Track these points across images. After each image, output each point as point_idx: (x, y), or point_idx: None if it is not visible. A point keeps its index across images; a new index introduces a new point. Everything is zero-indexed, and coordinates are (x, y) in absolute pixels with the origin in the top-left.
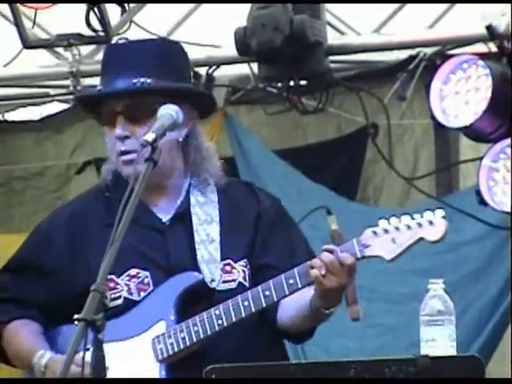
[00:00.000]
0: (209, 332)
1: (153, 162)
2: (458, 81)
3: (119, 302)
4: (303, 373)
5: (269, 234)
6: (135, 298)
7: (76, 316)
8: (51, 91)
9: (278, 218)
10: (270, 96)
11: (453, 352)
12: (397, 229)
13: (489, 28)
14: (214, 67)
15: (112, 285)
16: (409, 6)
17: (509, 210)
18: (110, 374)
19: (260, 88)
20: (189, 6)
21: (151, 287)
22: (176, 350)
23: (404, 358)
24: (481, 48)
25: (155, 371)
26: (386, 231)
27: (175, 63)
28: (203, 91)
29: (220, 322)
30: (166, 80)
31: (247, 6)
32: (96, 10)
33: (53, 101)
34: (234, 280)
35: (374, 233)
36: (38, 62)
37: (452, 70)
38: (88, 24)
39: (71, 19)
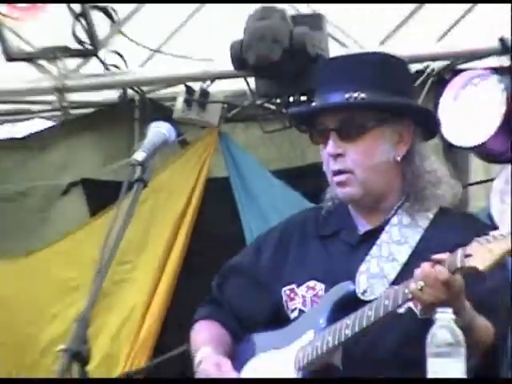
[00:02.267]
0: (357, 329)
1: (143, 183)
2: (468, 97)
3: (295, 313)
4: None
5: None
6: (307, 309)
7: (60, 347)
8: (35, 107)
9: None
10: (268, 113)
11: None
12: (494, 238)
13: (502, 40)
14: (209, 82)
15: (292, 295)
16: (416, 18)
17: None
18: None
19: (257, 105)
20: (182, 17)
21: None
22: (315, 355)
23: None
24: (493, 62)
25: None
26: (488, 241)
27: (395, 76)
28: (425, 108)
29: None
30: (384, 94)
31: (244, 18)
32: (83, 21)
33: (36, 117)
34: None
35: (479, 243)
36: (22, 76)
37: (462, 85)
38: (74, 36)
39: (57, 31)
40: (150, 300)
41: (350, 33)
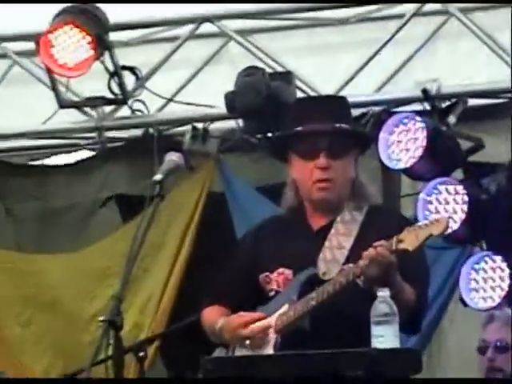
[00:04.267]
0: (320, 300)
1: (160, 197)
2: (400, 132)
3: (272, 293)
4: (274, 364)
5: None
6: (281, 289)
7: (100, 318)
8: (81, 142)
9: None
10: (253, 145)
11: (397, 345)
12: (419, 227)
13: (424, 91)
14: (209, 123)
15: (268, 280)
16: (362, 73)
17: None
18: None
19: (244, 138)
20: (189, 73)
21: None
22: (288, 321)
23: (357, 351)
24: (417, 107)
25: (272, 341)
26: (414, 229)
27: (349, 112)
28: (371, 136)
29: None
30: (350, 126)
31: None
32: (116, 77)
33: (82, 149)
34: None
35: (408, 231)
36: (71, 118)
37: (395, 124)
38: (109, 89)
39: (96, 85)
40: (165, 285)
41: (313, 85)
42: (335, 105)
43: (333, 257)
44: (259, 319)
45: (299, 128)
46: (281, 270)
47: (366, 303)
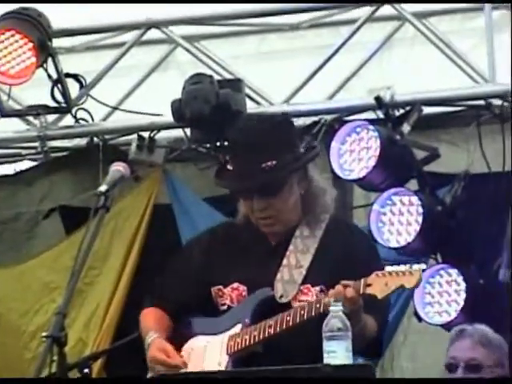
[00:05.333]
0: (278, 330)
1: (105, 208)
2: (352, 142)
3: (224, 307)
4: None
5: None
6: (234, 305)
7: (43, 333)
8: (23, 151)
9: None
10: (201, 154)
11: (349, 361)
12: (390, 274)
13: (377, 99)
14: (156, 131)
15: (220, 293)
16: (313, 80)
17: (394, 246)
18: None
19: (192, 148)
20: (135, 80)
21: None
22: (243, 345)
23: (310, 367)
24: (370, 115)
25: (224, 363)
26: (384, 275)
27: (290, 134)
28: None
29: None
30: (288, 151)
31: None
32: (59, 85)
33: (24, 159)
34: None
35: (377, 275)
36: (12, 127)
37: (347, 133)
38: (53, 97)
39: (39, 93)
40: (111, 297)
41: (262, 93)
42: (265, 136)
43: (290, 277)
44: (176, 367)
45: (231, 168)
46: (235, 284)
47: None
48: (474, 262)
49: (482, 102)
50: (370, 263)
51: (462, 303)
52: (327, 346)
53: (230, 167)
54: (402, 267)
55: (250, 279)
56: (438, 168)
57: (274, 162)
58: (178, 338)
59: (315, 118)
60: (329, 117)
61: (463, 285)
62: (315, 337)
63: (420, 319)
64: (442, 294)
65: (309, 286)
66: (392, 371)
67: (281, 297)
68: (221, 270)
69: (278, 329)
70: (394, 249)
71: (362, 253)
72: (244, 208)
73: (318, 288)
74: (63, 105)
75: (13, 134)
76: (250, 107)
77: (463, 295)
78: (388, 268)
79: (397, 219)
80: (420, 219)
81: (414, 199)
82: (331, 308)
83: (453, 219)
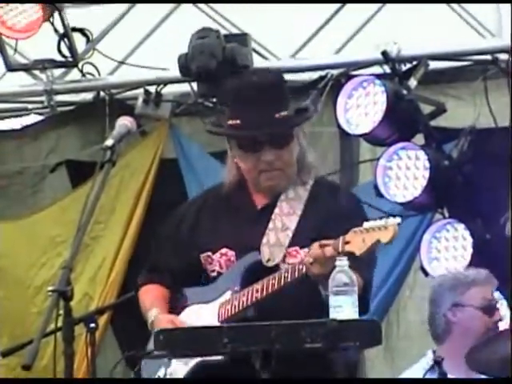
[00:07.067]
0: (264, 294)
1: (112, 163)
2: (359, 96)
3: (214, 274)
4: (231, 334)
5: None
6: (223, 271)
7: (49, 288)
8: (29, 106)
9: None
10: (207, 109)
11: (356, 316)
12: (367, 230)
13: (384, 53)
14: (162, 86)
15: (209, 260)
16: (320, 35)
17: (400, 201)
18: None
19: (199, 102)
20: (141, 35)
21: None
22: (233, 311)
23: (316, 321)
24: (377, 70)
25: None
26: (361, 232)
27: (288, 92)
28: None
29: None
30: (293, 109)
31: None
32: (66, 39)
33: (30, 113)
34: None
35: (355, 232)
36: (19, 81)
37: (354, 87)
38: (59, 51)
39: (46, 47)
40: (117, 252)
41: (269, 47)
42: (273, 89)
43: (277, 240)
44: None
45: (237, 121)
46: (224, 250)
47: (311, 291)
48: (480, 217)
49: (488, 57)
50: (354, 222)
51: (468, 258)
52: (333, 300)
53: (235, 120)
54: (378, 222)
55: (238, 244)
56: (444, 123)
57: (286, 113)
58: (174, 309)
59: (322, 73)
60: (335, 71)
61: (470, 240)
62: (307, 299)
63: (426, 274)
64: (448, 248)
65: (297, 248)
66: (398, 324)
67: (268, 260)
68: (209, 234)
69: (264, 293)
70: (401, 204)
71: (347, 212)
72: (244, 163)
73: (306, 250)
74: (70, 59)
75: (19, 88)
76: (257, 62)
77: (470, 250)
78: (365, 224)
79: (403, 174)
80: (427, 174)
81: (421, 154)
82: (337, 263)
83: (459, 174)
